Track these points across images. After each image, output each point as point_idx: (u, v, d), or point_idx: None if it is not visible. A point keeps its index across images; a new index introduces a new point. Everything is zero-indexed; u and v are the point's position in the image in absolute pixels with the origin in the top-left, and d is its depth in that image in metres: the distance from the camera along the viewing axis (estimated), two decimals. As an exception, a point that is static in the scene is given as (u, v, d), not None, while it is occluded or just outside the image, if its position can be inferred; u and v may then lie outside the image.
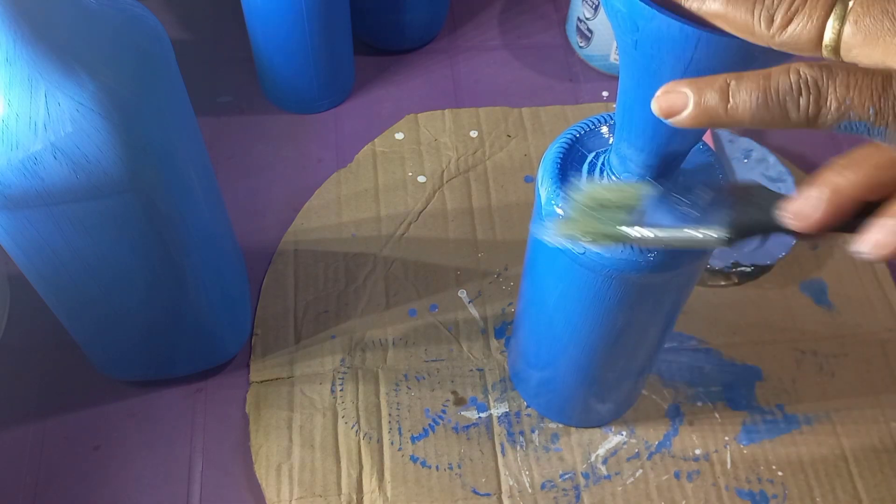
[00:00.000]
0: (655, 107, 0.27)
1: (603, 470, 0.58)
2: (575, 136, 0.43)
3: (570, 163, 0.42)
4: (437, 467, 0.57)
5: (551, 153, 0.42)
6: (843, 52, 0.26)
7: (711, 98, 0.26)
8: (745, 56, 0.28)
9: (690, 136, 0.36)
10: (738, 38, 0.27)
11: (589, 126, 0.43)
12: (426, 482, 0.57)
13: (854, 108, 0.24)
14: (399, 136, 0.73)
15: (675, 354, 0.62)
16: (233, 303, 0.59)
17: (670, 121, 0.27)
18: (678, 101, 0.26)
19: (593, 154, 0.42)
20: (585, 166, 0.42)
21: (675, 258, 0.40)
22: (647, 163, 0.37)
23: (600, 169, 0.41)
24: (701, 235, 0.32)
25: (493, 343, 0.63)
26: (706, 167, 0.42)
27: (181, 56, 0.48)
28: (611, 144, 0.42)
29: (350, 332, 0.63)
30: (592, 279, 0.42)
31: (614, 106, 0.76)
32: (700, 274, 0.46)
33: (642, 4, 0.29)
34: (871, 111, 0.24)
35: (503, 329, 0.63)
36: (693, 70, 0.30)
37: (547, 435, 0.59)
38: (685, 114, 0.26)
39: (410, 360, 0.62)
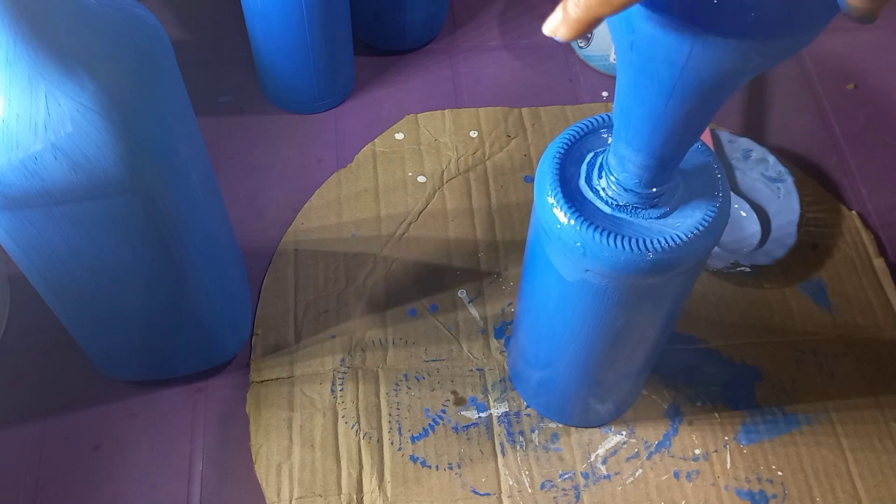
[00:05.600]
0: (546, 30, 0.28)
1: (603, 470, 0.58)
2: (573, 136, 0.43)
3: (569, 162, 0.42)
4: (437, 467, 0.57)
5: (550, 153, 0.42)
6: None
7: None
8: (740, 57, 0.28)
9: (688, 136, 0.36)
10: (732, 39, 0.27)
11: (587, 126, 0.43)
12: (426, 482, 0.57)
13: None
14: (399, 136, 0.73)
15: (675, 354, 0.62)
16: (233, 303, 0.59)
17: (558, 36, 0.28)
18: (554, 17, 0.27)
19: (592, 154, 0.42)
20: (584, 166, 0.42)
21: (674, 260, 0.40)
22: (644, 163, 0.38)
23: (598, 168, 0.41)
24: None
25: (493, 343, 0.63)
26: (704, 167, 0.42)
27: (181, 56, 0.48)
28: (609, 144, 0.42)
29: (350, 332, 0.63)
30: (592, 280, 0.42)
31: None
32: (699, 275, 0.46)
33: (638, 6, 0.29)
34: None
35: (503, 329, 0.63)
36: (689, 70, 0.30)
37: (547, 435, 0.59)
38: (559, 20, 0.27)
39: (410, 360, 0.62)
